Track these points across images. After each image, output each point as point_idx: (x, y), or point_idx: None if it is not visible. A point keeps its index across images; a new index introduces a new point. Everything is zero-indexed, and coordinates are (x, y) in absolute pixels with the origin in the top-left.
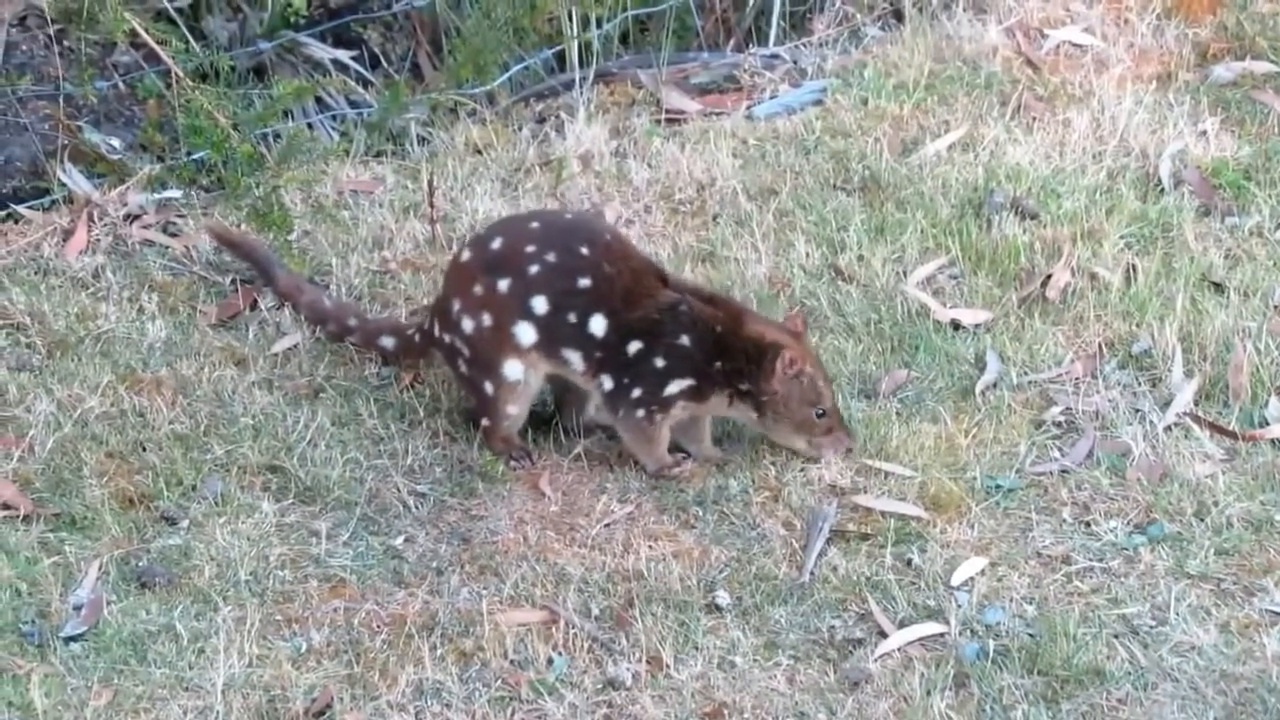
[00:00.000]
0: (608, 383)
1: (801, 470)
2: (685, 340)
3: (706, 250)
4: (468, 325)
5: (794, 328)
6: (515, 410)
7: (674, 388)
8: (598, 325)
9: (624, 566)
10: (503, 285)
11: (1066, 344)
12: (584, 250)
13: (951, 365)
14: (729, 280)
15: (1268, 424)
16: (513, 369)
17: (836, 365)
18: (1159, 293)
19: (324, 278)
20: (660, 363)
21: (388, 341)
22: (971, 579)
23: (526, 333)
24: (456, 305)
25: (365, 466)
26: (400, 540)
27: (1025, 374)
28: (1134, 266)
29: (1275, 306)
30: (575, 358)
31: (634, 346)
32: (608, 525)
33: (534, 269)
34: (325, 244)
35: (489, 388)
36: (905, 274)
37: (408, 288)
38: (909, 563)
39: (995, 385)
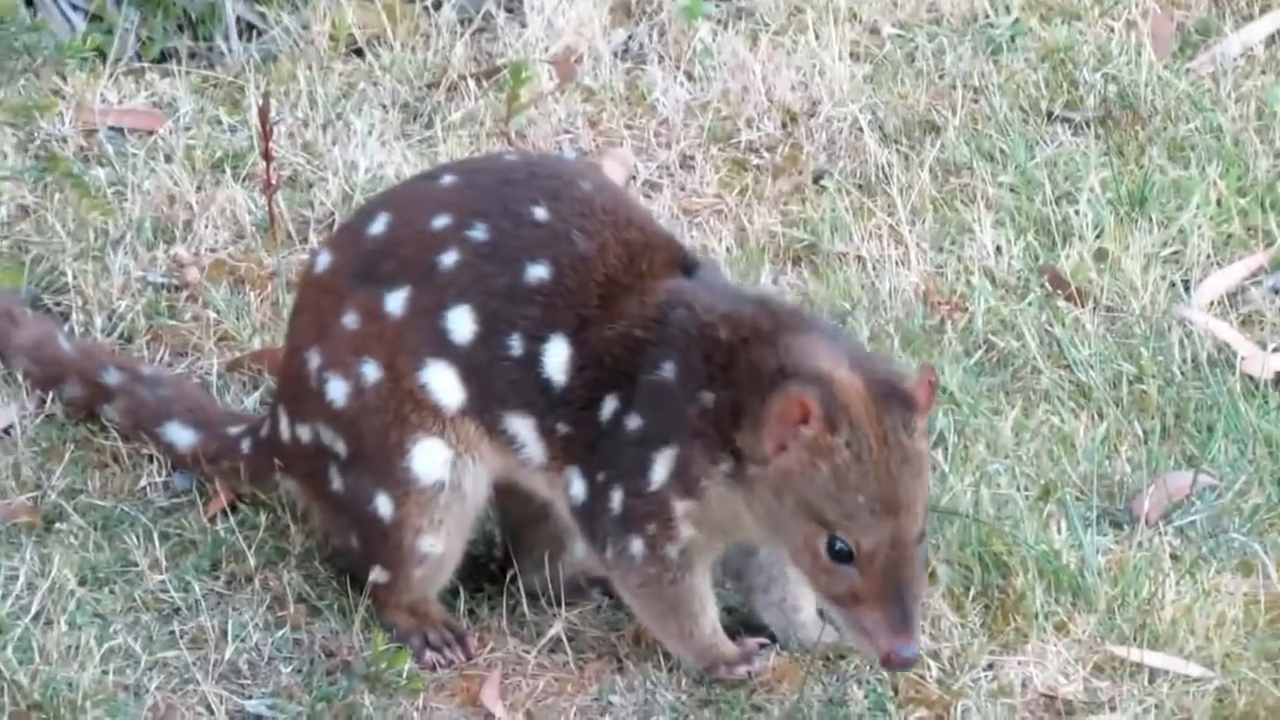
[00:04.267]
0: (577, 485)
1: (989, 668)
2: (668, 370)
3: (802, 242)
4: (337, 391)
5: (905, 384)
6: (434, 548)
7: (660, 470)
8: (555, 359)
9: None
10: (394, 302)
11: None
12: (539, 213)
13: (1278, 461)
14: (843, 296)
15: None
16: (426, 460)
17: (1058, 459)
18: None
19: (60, 298)
20: (634, 424)
21: (180, 435)
22: None
23: (445, 382)
24: (315, 360)
25: (145, 664)
26: None
27: None
28: None
29: None
30: (525, 430)
31: (609, 404)
32: None
33: (449, 259)
34: (61, 232)
35: (384, 507)
36: (1187, 287)
37: (220, 316)
38: None
39: None
